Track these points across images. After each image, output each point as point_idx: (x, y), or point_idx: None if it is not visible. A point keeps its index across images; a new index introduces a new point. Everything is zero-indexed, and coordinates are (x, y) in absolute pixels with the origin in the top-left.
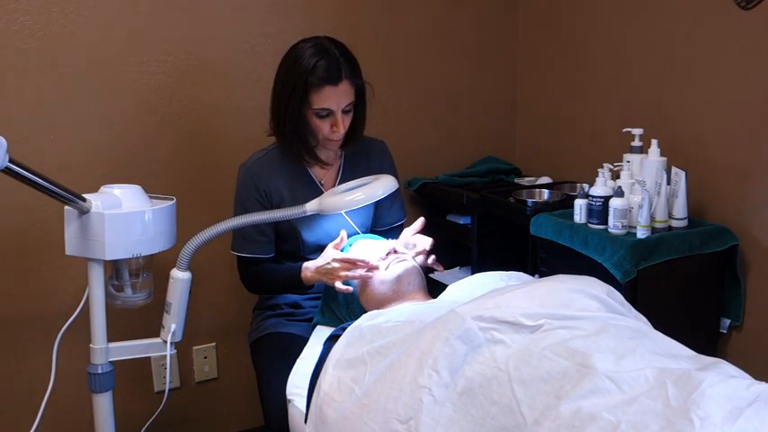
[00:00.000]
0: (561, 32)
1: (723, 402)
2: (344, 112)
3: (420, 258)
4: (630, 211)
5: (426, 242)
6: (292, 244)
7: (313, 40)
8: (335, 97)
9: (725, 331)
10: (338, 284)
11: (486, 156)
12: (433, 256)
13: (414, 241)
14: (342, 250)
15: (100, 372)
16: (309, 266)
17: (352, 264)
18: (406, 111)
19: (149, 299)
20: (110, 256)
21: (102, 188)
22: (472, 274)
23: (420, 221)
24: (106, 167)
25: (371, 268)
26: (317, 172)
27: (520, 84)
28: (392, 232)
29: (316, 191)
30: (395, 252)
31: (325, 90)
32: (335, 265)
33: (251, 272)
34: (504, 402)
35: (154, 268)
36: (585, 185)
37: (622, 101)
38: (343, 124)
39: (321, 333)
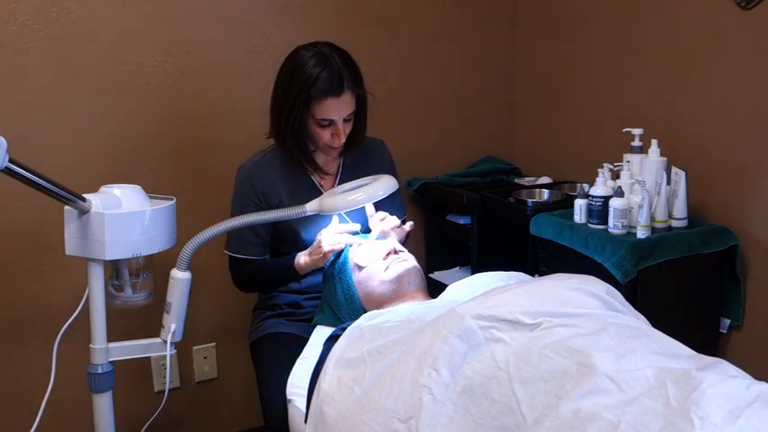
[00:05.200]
0: (561, 33)
1: (723, 402)
2: (345, 120)
3: (399, 232)
4: (630, 211)
5: (391, 222)
6: (292, 245)
7: (314, 49)
8: (337, 108)
9: (725, 331)
10: (325, 248)
11: (486, 156)
12: (398, 221)
13: (387, 225)
14: (342, 252)
15: (100, 372)
16: (302, 253)
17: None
18: (405, 111)
19: (149, 299)
20: (110, 256)
21: (102, 188)
22: (472, 274)
23: (370, 207)
24: (106, 167)
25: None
26: (315, 173)
27: (520, 84)
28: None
29: (315, 192)
30: (395, 252)
31: (327, 102)
32: (320, 237)
33: (243, 271)
34: (505, 401)
35: (154, 268)
36: (585, 185)
37: (622, 101)
38: (344, 132)
39: (321, 333)
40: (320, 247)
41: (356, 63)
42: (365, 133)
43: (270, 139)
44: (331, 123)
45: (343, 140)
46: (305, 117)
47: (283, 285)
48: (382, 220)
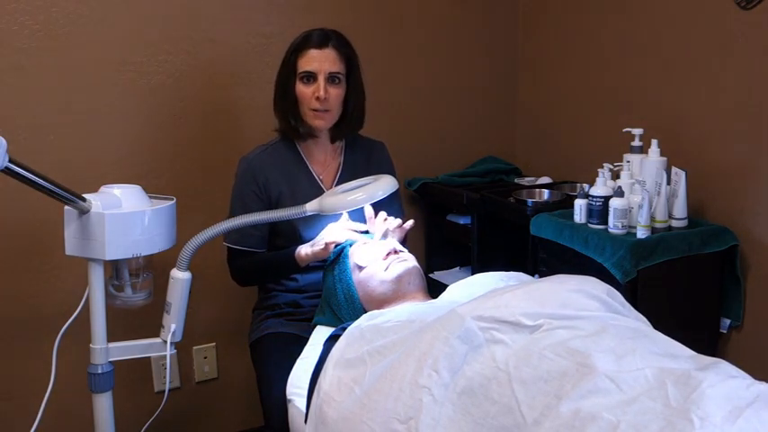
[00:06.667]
0: (561, 32)
1: (723, 402)
2: (331, 83)
3: (400, 231)
4: (630, 211)
5: (393, 222)
6: (290, 240)
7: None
8: (319, 60)
9: (725, 331)
10: (327, 239)
11: (486, 156)
12: (399, 221)
13: (390, 225)
14: (342, 251)
15: (100, 372)
16: (304, 245)
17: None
18: (405, 111)
19: (149, 299)
20: (110, 256)
21: (102, 188)
22: (472, 274)
23: (369, 210)
24: (106, 167)
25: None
26: (316, 168)
27: (520, 84)
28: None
29: (315, 187)
30: (395, 252)
31: (309, 53)
32: (325, 231)
33: (241, 263)
34: (504, 402)
35: (154, 268)
36: (585, 185)
37: (622, 101)
38: (328, 93)
39: (321, 333)
40: (323, 239)
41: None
42: (361, 115)
43: (274, 131)
44: (313, 79)
45: (323, 96)
46: (291, 76)
47: (282, 278)
48: (385, 220)
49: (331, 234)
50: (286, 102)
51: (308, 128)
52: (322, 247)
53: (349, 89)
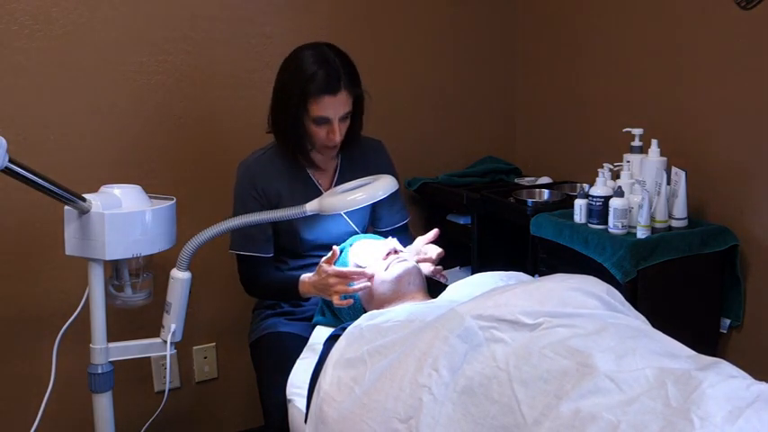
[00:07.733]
0: (561, 32)
1: (723, 402)
2: (341, 120)
3: (427, 267)
4: (630, 211)
5: (434, 251)
6: (291, 241)
7: (314, 48)
8: (333, 107)
9: (725, 331)
10: (336, 299)
11: (486, 156)
12: (439, 267)
13: (425, 250)
14: (341, 250)
15: (100, 372)
16: (305, 281)
17: (348, 277)
18: (405, 111)
19: (149, 299)
20: (110, 256)
21: (102, 188)
22: (472, 274)
23: (434, 232)
24: (106, 167)
25: (368, 278)
26: (314, 171)
27: (520, 84)
28: (396, 234)
29: (313, 190)
30: (395, 252)
31: (323, 99)
32: (331, 280)
33: (251, 272)
34: (504, 402)
35: (154, 268)
36: (585, 185)
37: (622, 101)
38: (340, 132)
39: (321, 333)
40: (328, 288)
41: (354, 65)
42: (360, 132)
43: (269, 134)
44: (327, 122)
45: (339, 139)
46: (301, 114)
47: (285, 300)
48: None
49: (339, 289)
50: (296, 136)
51: (309, 162)
52: (326, 295)
53: (353, 118)
